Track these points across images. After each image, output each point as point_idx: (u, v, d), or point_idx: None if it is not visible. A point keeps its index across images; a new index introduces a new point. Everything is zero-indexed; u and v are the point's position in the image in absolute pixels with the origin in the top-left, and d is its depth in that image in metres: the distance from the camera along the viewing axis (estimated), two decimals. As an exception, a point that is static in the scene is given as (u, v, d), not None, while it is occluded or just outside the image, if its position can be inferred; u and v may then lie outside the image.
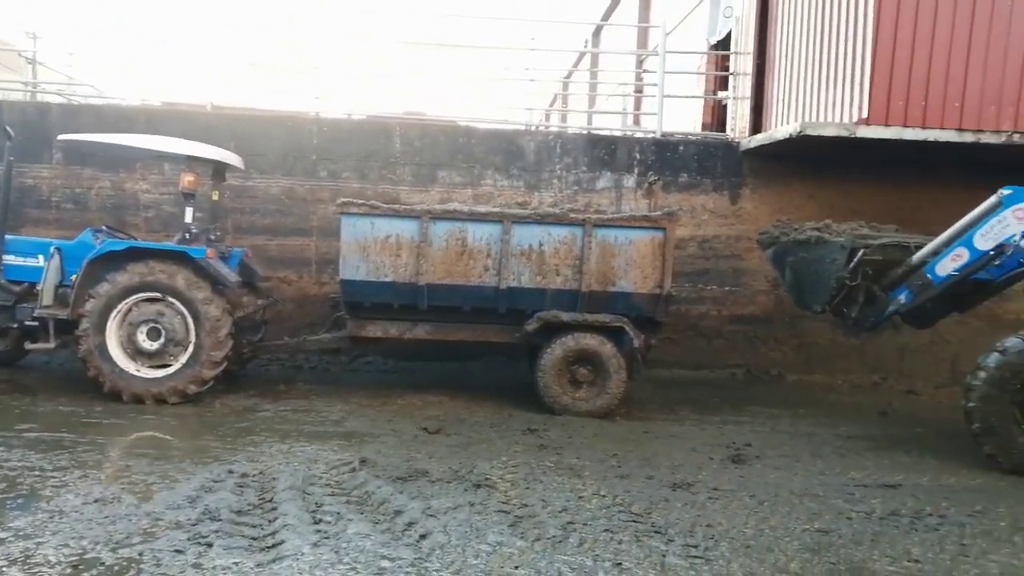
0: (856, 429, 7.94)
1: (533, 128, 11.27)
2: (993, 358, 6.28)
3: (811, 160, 10.32)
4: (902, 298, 7.45)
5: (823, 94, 9.56)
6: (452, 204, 8.84)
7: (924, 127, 8.87)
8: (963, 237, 7.06)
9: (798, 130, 8.91)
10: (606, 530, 4.72)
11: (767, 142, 9.95)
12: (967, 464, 6.55)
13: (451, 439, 6.81)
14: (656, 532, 4.73)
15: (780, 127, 9.91)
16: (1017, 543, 4.77)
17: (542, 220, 8.03)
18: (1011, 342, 6.27)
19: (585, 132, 11.42)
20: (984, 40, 8.91)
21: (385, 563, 4.11)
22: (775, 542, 4.64)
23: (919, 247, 7.47)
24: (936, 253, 7.26)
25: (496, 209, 8.41)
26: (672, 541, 4.59)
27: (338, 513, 4.79)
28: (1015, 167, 8.73)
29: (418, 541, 4.42)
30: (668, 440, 7.19)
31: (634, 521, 4.90)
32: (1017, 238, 6.75)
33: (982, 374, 6.29)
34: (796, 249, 7.95)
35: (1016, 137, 8.99)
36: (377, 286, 7.97)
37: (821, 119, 9.46)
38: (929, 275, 7.25)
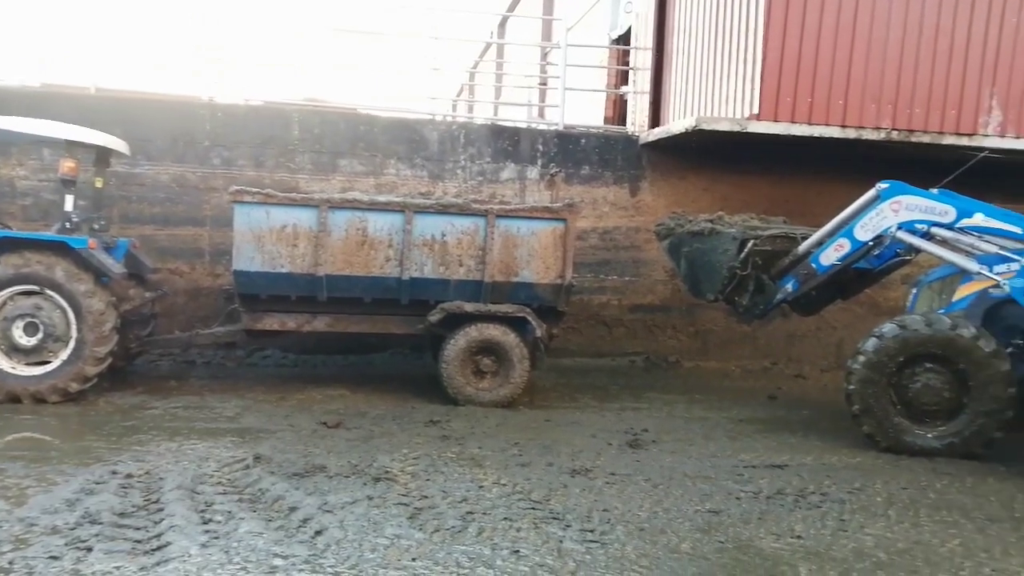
0: (747, 412, 8.26)
1: (437, 117, 11.17)
2: (871, 343, 6.63)
3: (707, 153, 10.64)
4: (789, 286, 7.81)
5: (718, 90, 9.87)
6: (353, 193, 8.68)
7: (810, 123, 9.29)
8: (844, 228, 7.45)
9: (693, 124, 9.17)
10: (505, 518, 4.74)
11: (665, 136, 10.20)
12: (848, 444, 6.90)
13: (351, 433, 6.70)
14: (554, 518, 4.78)
15: (677, 121, 10.18)
16: (891, 516, 5.05)
17: (445, 210, 7.99)
18: (887, 327, 6.64)
19: (489, 123, 11.41)
20: (865, 42, 9.39)
21: (278, 561, 4.00)
22: (668, 523, 4.77)
23: (805, 238, 7.84)
24: (820, 243, 7.63)
25: (398, 199, 8.30)
26: (569, 526, 4.65)
27: (229, 512, 4.63)
28: (894, 162, 9.26)
29: (313, 537, 4.32)
30: (569, 427, 7.30)
31: (533, 508, 4.95)
32: (893, 229, 7.16)
33: (861, 358, 6.64)
34: (690, 240, 8.20)
35: (894, 134, 9.53)
36: (273, 277, 7.74)
37: (716, 114, 9.77)
38: (814, 264, 7.62)
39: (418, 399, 8.10)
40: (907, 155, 9.94)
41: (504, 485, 5.39)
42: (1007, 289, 6.50)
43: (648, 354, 10.92)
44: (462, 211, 8.01)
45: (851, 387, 6.67)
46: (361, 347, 9.73)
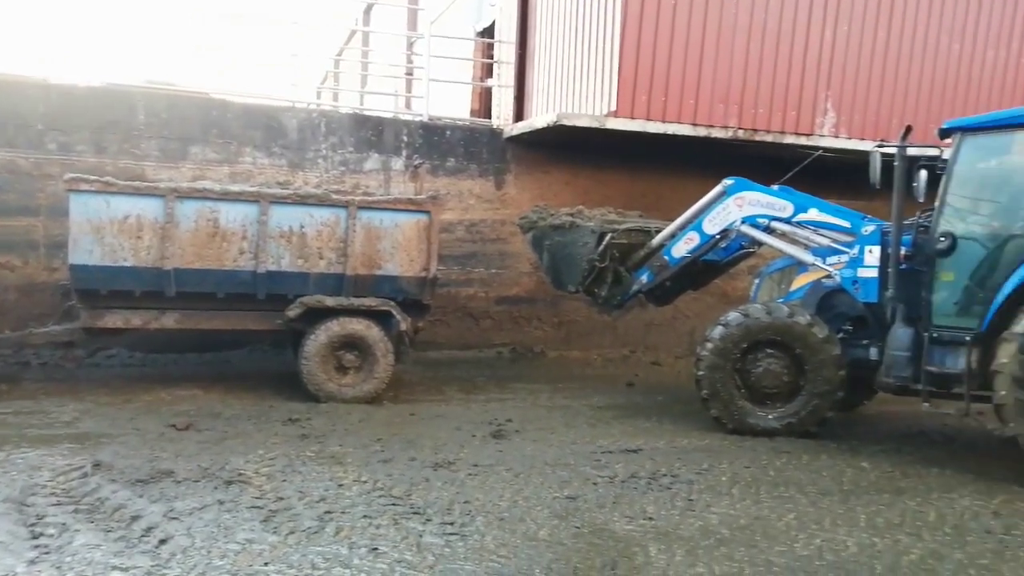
0: (606, 399, 8.53)
1: (297, 104, 10.81)
2: (717, 331, 7.00)
3: (569, 148, 10.88)
4: (644, 278, 8.13)
5: (578, 86, 10.11)
6: (203, 182, 8.25)
7: (664, 121, 9.70)
8: (694, 222, 7.82)
9: (555, 120, 9.35)
10: (364, 516, 4.66)
11: (528, 130, 10.35)
12: (698, 427, 7.25)
13: (202, 435, 6.40)
14: (415, 513, 4.75)
15: (539, 116, 10.35)
16: (735, 494, 5.35)
17: (303, 201, 7.76)
18: (732, 316, 7.03)
19: (351, 112, 11.18)
20: (714, 45, 9.89)
21: (116, 574, 3.76)
22: (527, 512, 4.85)
23: (659, 231, 8.17)
24: (672, 236, 7.98)
25: (252, 188, 7.99)
26: (430, 520, 4.64)
27: (63, 524, 4.31)
28: (741, 159, 9.81)
29: (157, 547, 4.09)
30: (433, 421, 7.28)
31: (394, 504, 4.89)
32: (738, 223, 7.58)
33: (708, 345, 7.00)
34: (552, 233, 8.36)
35: (740, 133, 10.10)
36: (114, 271, 7.26)
37: (576, 110, 10.01)
38: (666, 256, 7.96)
39: (277, 397, 7.84)
40: (753, 153, 10.55)
41: (365, 482, 5.30)
42: (838, 279, 7.03)
43: (514, 345, 11.06)
44: (322, 202, 7.81)
45: (700, 373, 7.02)
46: (216, 344, 9.31)
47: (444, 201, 9.07)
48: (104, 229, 7.17)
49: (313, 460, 5.78)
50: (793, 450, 6.47)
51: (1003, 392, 5.62)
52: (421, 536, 4.40)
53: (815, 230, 7.32)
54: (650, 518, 4.82)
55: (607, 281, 8.15)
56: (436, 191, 10.13)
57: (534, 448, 6.39)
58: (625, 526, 4.67)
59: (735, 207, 7.57)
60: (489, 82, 12.98)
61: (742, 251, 8.18)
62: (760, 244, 7.81)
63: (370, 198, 8.33)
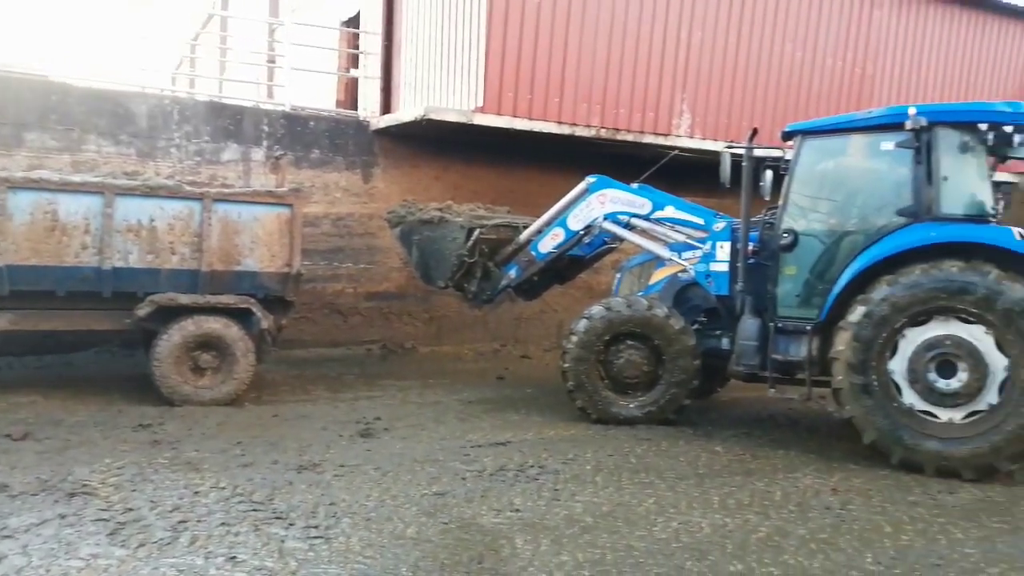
0: (477, 394, 8.57)
1: (147, 90, 10.18)
2: (581, 324, 7.19)
3: (439, 143, 10.84)
4: (512, 273, 8.24)
5: (446, 81, 10.08)
6: (40, 172, 7.61)
7: (531, 118, 9.84)
8: (559, 219, 7.99)
9: (422, 114, 9.29)
10: (222, 523, 4.47)
11: (395, 123, 10.23)
12: (565, 418, 7.41)
13: (42, 444, 5.93)
14: (277, 518, 4.59)
15: (407, 109, 10.25)
16: (598, 483, 5.51)
17: (153, 193, 7.31)
18: (595, 309, 7.23)
19: (207, 99, 10.65)
20: (577, 45, 10.12)
21: (-64, 603, 3.42)
22: (395, 511, 4.80)
23: (526, 227, 8.28)
24: (539, 232, 8.12)
25: (96, 179, 7.45)
26: (293, 525, 4.50)
27: None
28: (606, 157, 10.11)
29: (-14, 569, 3.75)
30: (298, 422, 7.07)
31: (254, 510, 4.71)
32: (600, 220, 7.80)
33: (573, 338, 7.18)
34: (421, 228, 8.32)
35: (603, 132, 10.40)
36: (-65, 269, 6.59)
37: (444, 104, 9.97)
38: (533, 252, 8.10)
39: (126, 401, 7.38)
40: (616, 151, 10.90)
41: (223, 488, 5.08)
42: (693, 273, 7.37)
43: (384, 341, 10.92)
44: (174, 194, 7.39)
45: (565, 365, 7.19)
46: (58, 346, 8.64)
47: (308, 194, 8.81)
48: (-81, 222, 6.49)
49: (166, 467, 5.47)
50: (653, 437, 6.72)
51: (840, 377, 6.08)
52: (283, 541, 4.26)
53: (672, 227, 7.64)
54: (517, 510, 4.88)
55: (476, 276, 8.19)
56: (300, 184, 9.80)
57: (403, 445, 6.33)
58: (493, 519, 4.71)
59: (598, 204, 7.78)
60: (354, 73, 12.71)
61: (605, 246, 8.42)
62: (622, 240, 8.06)
63: (227, 190, 7.96)
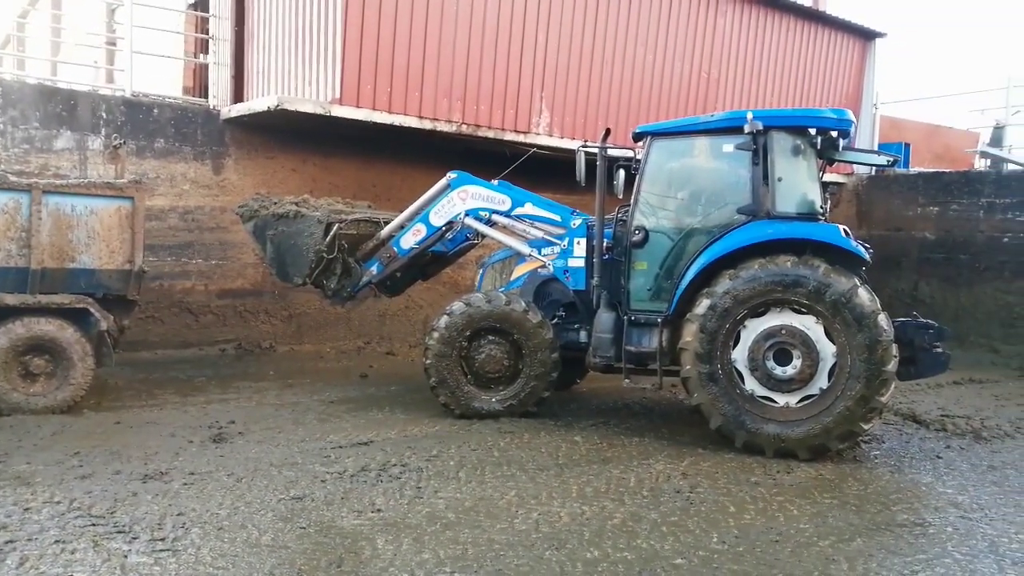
0: (339, 393, 8.39)
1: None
2: (443, 320, 7.19)
3: (296, 134, 10.50)
4: (374, 269, 8.11)
5: (301, 70, 9.78)
6: None
7: (391, 112, 9.71)
8: (421, 214, 7.95)
9: (276, 104, 8.97)
10: (57, 541, 4.16)
11: (248, 112, 9.81)
12: (429, 414, 7.39)
13: None
14: (119, 532, 4.32)
15: (260, 99, 9.86)
16: (461, 478, 5.54)
17: (-28, 184, 6.66)
18: (455, 305, 7.25)
19: (36, 82, 9.81)
20: (436, 38, 10.08)
21: None
22: (249, 518, 4.62)
23: (387, 222, 8.18)
24: (401, 228, 8.05)
25: (-98, 168, 6.70)
26: (137, 538, 4.24)
27: None
28: (468, 153, 10.15)
29: None
30: (144, 428, 6.66)
31: (93, 524, 4.41)
32: (462, 216, 7.82)
33: (435, 334, 7.17)
34: (276, 223, 8.02)
35: (464, 127, 10.42)
36: None
37: (300, 94, 9.67)
38: (395, 248, 8.02)
39: (-58, 413, 6.70)
40: (478, 147, 10.96)
41: (58, 503, 4.72)
42: (551, 268, 7.54)
43: (240, 341, 10.49)
44: (-3, 185, 6.76)
45: (428, 361, 7.18)
46: None
47: (152, 186, 8.31)
48: None
49: (-9, 484, 5.02)
50: (516, 430, 6.83)
51: (688, 367, 6.41)
52: (126, 556, 4.02)
53: (531, 223, 7.77)
54: (379, 510, 4.83)
55: (336, 272, 8.00)
56: (143, 174, 9.23)
57: (259, 449, 6.10)
58: (353, 521, 4.64)
59: (459, 200, 7.80)
60: (203, 59, 12.07)
61: (468, 242, 8.44)
62: (483, 236, 8.12)
63: (60, 182, 7.37)
